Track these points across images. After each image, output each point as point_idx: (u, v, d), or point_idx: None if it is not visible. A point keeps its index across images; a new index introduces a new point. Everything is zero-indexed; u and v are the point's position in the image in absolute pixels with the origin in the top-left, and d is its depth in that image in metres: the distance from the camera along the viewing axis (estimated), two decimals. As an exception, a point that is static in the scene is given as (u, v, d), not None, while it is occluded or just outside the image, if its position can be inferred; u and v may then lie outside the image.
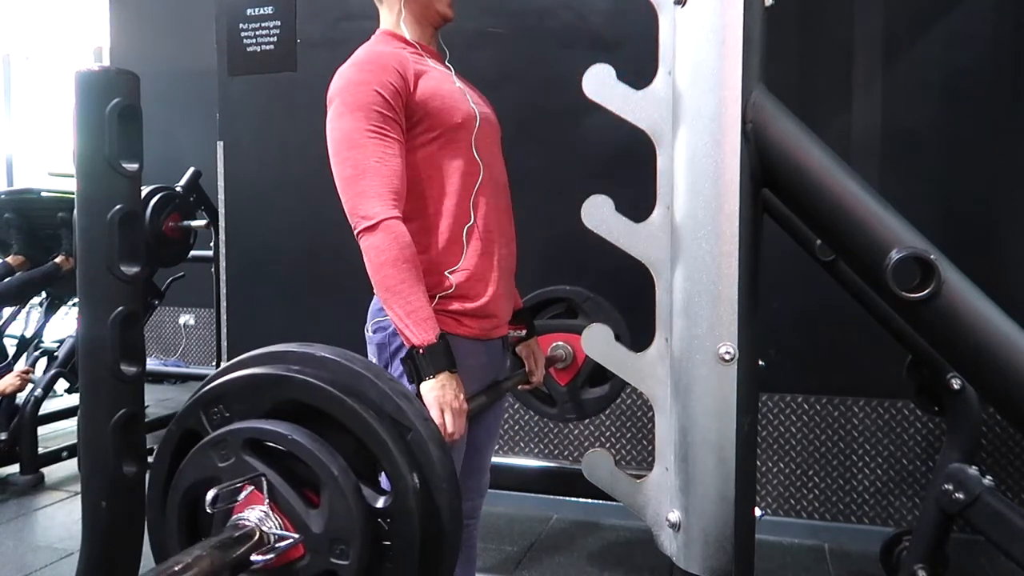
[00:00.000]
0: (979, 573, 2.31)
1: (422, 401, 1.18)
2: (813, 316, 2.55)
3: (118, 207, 1.34)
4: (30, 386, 3.23)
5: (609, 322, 0.99)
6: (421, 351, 1.19)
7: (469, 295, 1.33)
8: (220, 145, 3.10)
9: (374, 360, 1.36)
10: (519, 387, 1.64)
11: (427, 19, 1.40)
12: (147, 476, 0.96)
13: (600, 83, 0.92)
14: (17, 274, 3.22)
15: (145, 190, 3.26)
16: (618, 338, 0.95)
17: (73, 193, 1.36)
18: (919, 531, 1.83)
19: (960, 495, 1.70)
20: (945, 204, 2.45)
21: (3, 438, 3.17)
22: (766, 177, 0.87)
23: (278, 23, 2.97)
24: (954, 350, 0.83)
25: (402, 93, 1.26)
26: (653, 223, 0.91)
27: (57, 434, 3.71)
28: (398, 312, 1.20)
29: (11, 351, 3.67)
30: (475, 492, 1.55)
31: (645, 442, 2.77)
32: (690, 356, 0.86)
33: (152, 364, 4.74)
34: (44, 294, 3.72)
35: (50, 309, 3.82)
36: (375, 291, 1.27)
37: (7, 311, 3.65)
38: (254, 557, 0.76)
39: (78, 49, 6.80)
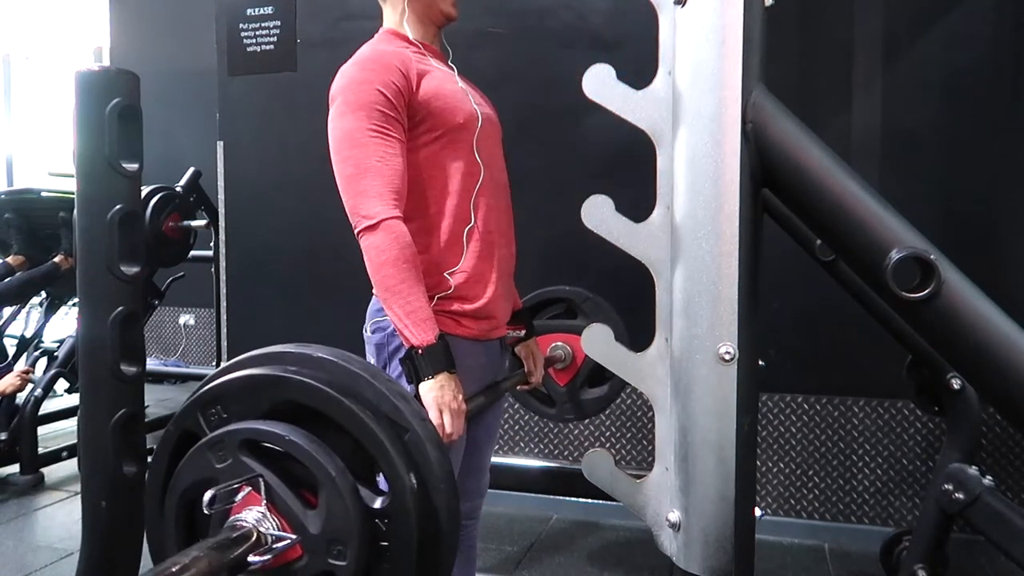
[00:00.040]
0: (979, 573, 2.31)
1: (421, 402, 1.18)
2: (813, 316, 2.55)
3: (118, 207, 1.34)
4: (30, 386, 3.23)
5: (608, 323, 0.99)
6: (420, 351, 1.19)
7: (468, 296, 1.33)
8: (220, 145, 3.10)
9: (372, 360, 1.36)
10: (518, 387, 1.64)
11: (431, 18, 1.40)
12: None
13: (600, 83, 0.92)
14: (17, 274, 3.22)
15: (145, 190, 3.26)
16: (617, 338, 0.95)
17: (73, 193, 1.36)
18: (919, 531, 1.83)
19: (960, 495, 1.70)
20: (945, 204, 2.45)
21: (3, 438, 3.17)
22: (766, 177, 0.87)
23: (278, 23, 2.97)
24: (954, 350, 0.83)
25: (404, 93, 1.26)
26: (653, 223, 0.91)
27: (57, 434, 3.71)
28: (397, 312, 1.20)
29: (11, 351, 3.67)
30: (475, 492, 1.55)
31: (645, 442, 2.77)
32: (690, 356, 0.86)
33: (152, 364, 4.74)
34: (44, 294, 3.72)
35: (50, 309, 3.82)
36: (375, 291, 1.27)
37: (7, 311, 3.65)
38: (252, 558, 0.76)
39: (78, 49, 6.80)
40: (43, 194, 3.41)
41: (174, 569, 0.68)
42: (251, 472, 0.80)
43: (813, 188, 0.84)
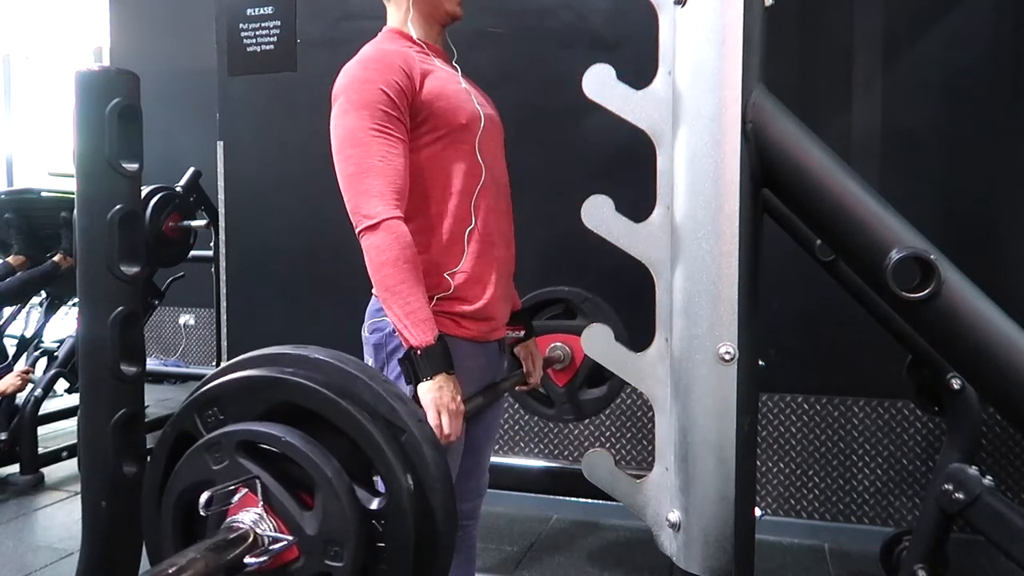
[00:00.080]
0: (979, 573, 2.31)
1: (419, 402, 1.18)
2: (813, 316, 2.55)
3: (118, 207, 1.35)
4: (30, 386, 3.23)
5: (607, 323, 0.99)
6: (419, 352, 1.19)
7: (467, 297, 1.33)
8: (220, 145, 3.10)
9: (371, 361, 1.35)
10: (517, 388, 1.64)
11: (435, 17, 1.40)
12: (146, 477, 0.96)
13: (600, 83, 0.92)
14: (17, 274, 3.23)
15: (145, 190, 3.26)
16: (617, 339, 0.95)
17: (73, 193, 1.36)
18: (919, 531, 1.83)
19: (960, 495, 1.70)
20: (945, 204, 2.45)
21: (3, 438, 3.17)
22: (766, 177, 0.87)
23: (278, 23, 2.97)
24: (954, 350, 0.83)
25: (407, 92, 1.26)
26: (653, 223, 0.91)
27: (57, 434, 3.71)
28: (397, 312, 1.20)
29: (11, 351, 3.67)
30: (474, 493, 1.55)
31: (645, 442, 2.77)
32: (690, 356, 0.86)
33: (152, 364, 4.74)
34: (44, 294, 3.72)
35: (50, 309, 3.82)
36: (375, 290, 1.27)
37: (7, 311, 3.65)
38: (248, 559, 0.76)
39: (78, 49, 6.80)
40: (43, 194, 3.41)
41: (171, 571, 0.68)
42: (248, 474, 0.80)
43: (813, 188, 0.84)
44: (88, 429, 1.37)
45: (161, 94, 4.20)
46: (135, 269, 1.38)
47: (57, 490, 3.14)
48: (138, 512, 1.17)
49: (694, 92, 0.85)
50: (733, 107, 0.83)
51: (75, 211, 1.37)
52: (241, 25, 3.01)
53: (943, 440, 1.91)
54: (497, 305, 1.38)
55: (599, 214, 0.92)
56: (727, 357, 0.84)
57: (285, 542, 0.78)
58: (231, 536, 0.77)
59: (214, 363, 4.32)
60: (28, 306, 4.17)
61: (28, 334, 3.91)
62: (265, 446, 0.81)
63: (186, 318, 5.25)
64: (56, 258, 3.24)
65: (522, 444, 2.91)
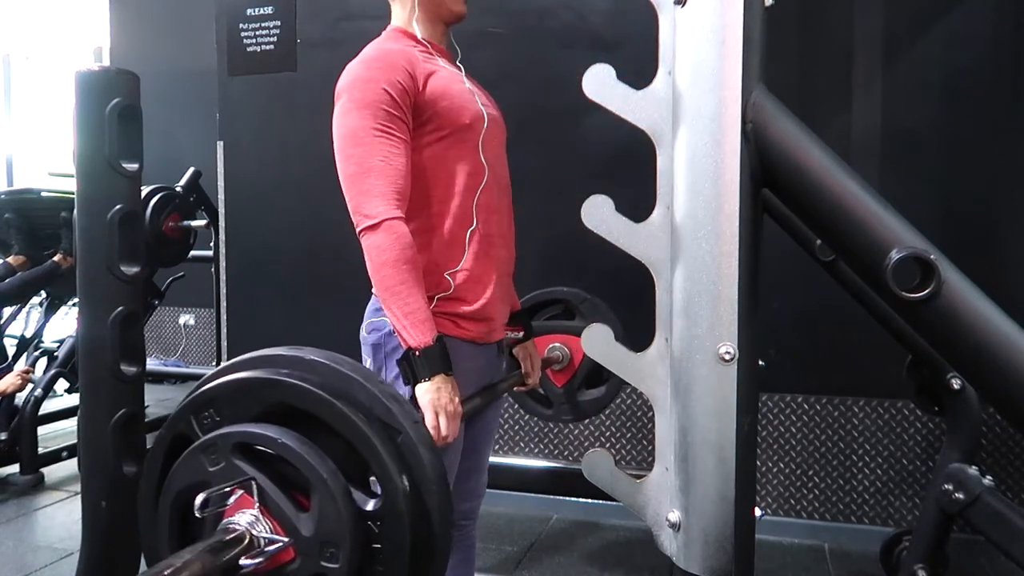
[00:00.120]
0: (979, 573, 2.31)
1: (417, 403, 1.18)
2: (813, 316, 2.55)
3: (118, 207, 1.35)
4: (30, 386, 3.23)
5: (606, 323, 0.99)
6: (417, 353, 1.19)
7: (467, 297, 1.33)
8: (220, 145, 3.10)
9: (369, 360, 1.35)
10: (515, 389, 1.64)
11: (440, 17, 1.40)
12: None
13: (600, 83, 0.92)
14: (17, 274, 3.23)
15: (145, 190, 3.26)
16: (616, 339, 0.95)
17: (73, 193, 1.37)
18: (919, 531, 1.83)
19: (960, 495, 1.70)
20: (945, 204, 2.45)
21: (3, 438, 3.17)
22: (766, 177, 0.87)
23: (278, 23, 2.97)
24: (954, 350, 0.83)
25: (410, 92, 1.26)
26: (653, 223, 0.91)
27: (57, 434, 3.71)
28: (396, 313, 1.20)
29: (11, 351, 3.67)
30: (473, 493, 1.55)
31: (645, 442, 2.77)
32: (690, 356, 0.86)
33: (152, 364, 4.74)
34: (44, 294, 3.72)
35: (50, 309, 3.82)
36: (375, 290, 1.27)
37: (7, 311, 3.65)
38: (244, 561, 0.76)
39: (78, 49, 6.80)
40: (43, 194, 3.41)
41: (167, 572, 0.68)
42: (244, 475, 0.79)
43: (813, 188, 0.84)
44: (88, 429, 1.37)
45: (161, 94, 4.20)
46: (135, 269, 1.38)
47: (57, 490, 3.14)
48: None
49: (694, 92, 0.85)
50: (733, 107, 0.83)
51: (75, 211, 1.37)
52: (241, 25, 3.01)
53: (943, 440, 1.91)
54: (496, 306, 1.38)
55: (599, 214, 0.92)
56: (727, 357, 0.84)
57: (281, 543, 0.78)
58: (227, 538, 0.77)
59: (214, 363, 4.32)
60: (28, 306, 4.17)
61: (28, 334, 3.91)
62: (261, 448, 0.80)
63: (186, 318, 5.25)
64: (56, 258, 3.24)
65: (522, 444, 2.91)
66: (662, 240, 0.90)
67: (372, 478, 0.82)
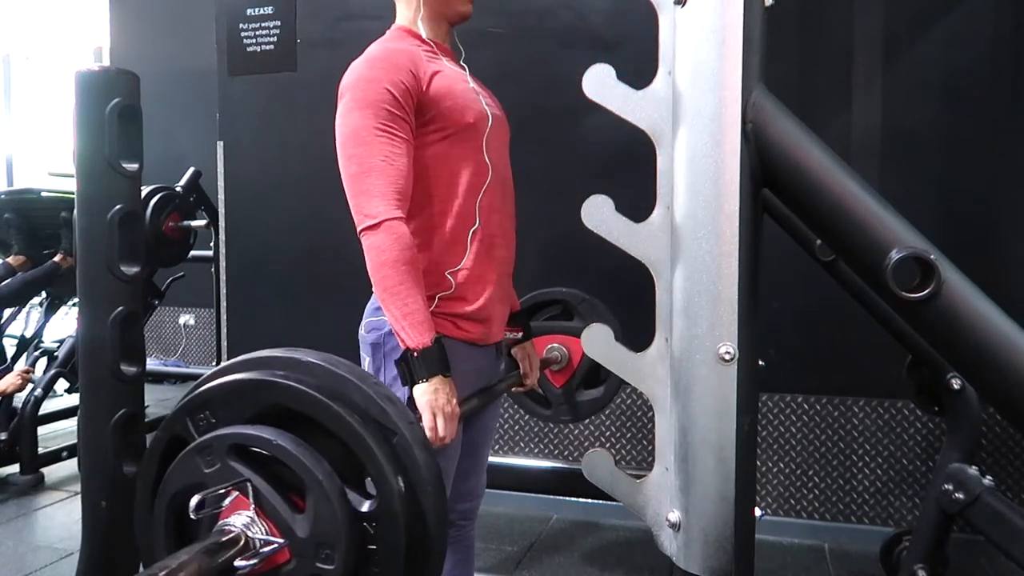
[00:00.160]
0: (979, 573, 2.31)
1: (415, 404, 1.18)
2: (813, 316, 2.55)
3: (118, 207, 1.35)
4: (30, 386, 3.23)
5: (605, 324, 0.99)
6: (416, 354, 1.19)
7: (467, 296, 1.33)
8: (220, 145, 3.10)
9: (368, 360, 1.35)
10: (513, 389, 1.64)
11: (445, 16, 1.40)
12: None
13: (600, 83, 0.92)
14: (18, 275, 3.23)
15: (145, 190, 3.26)
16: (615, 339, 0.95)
17: (73, 193, 1.37)
18: (919, 531, 1.83)
19: (960, 495, 1.70)
20: (945, 204, 2.45)
21: (3, 438, 3.17)
22: (766, 177, 0.87)
23: (278, 23, 2.97)
24: (954, 350, 0.83)
25: (413, 92, 1.25)
26: (653, 223, 0.91)
27: (57, 434, 3.71)
28: (395, 313, 1.20)
29: (11, 351, 3.67)
30: (472, 493, 1.55)
31: (645, 442, 2.77)
32: (690, 356, 0.86)
33: (152, 364, 4.74)
34: (44, 294, 3.72)
35: (50, 309, 3.82)
36: (374, 290, 1.26)
37: (7, 311, 3.65)
38: (239, 562, 0.76)
39: (78, 49, 6.80)
40: (43, 194, 3.41)
41: (162, 574, 0.68)
42: (239, 477, 0.79)
43: (813, 188, 0.84)
44: (88, 429, 1.37)
45: (161, 94, 4.20)
46: (135, 269, 1.38)
47: (57, 490, 3.14)
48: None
49: (694, 92, 0.85)
50: (733, 107, 0.83)
51: (75, 211, 1.37)
52: (241, 25, 3.01)
53: (943, 440, 1.91)
54: (495, 306, 1.38)
55: (599, 214, 0.92)
56: (727, 357, 0.84)
57: (276, 545, 0.78)
58: (222, 539, 0.77)
59: (214, 363, 4.32)
60: (28, 306, 4.17)
61: (28, 334, 3.91)
62: (256, 449, 0.80)
63: (186, 318, 5.25)
64: (56, 258, 3.24)
65: (522, 444, 2.91)
66: (662, 240, 0.90)
67: (368, 479, 0.82)
